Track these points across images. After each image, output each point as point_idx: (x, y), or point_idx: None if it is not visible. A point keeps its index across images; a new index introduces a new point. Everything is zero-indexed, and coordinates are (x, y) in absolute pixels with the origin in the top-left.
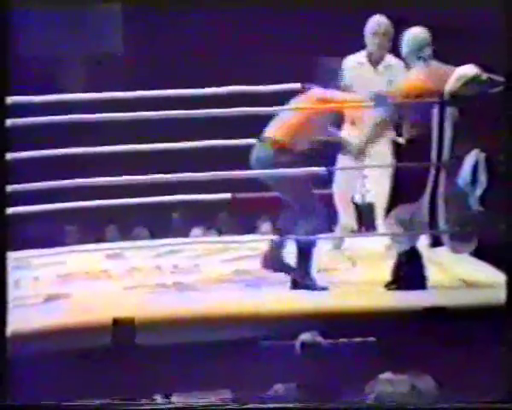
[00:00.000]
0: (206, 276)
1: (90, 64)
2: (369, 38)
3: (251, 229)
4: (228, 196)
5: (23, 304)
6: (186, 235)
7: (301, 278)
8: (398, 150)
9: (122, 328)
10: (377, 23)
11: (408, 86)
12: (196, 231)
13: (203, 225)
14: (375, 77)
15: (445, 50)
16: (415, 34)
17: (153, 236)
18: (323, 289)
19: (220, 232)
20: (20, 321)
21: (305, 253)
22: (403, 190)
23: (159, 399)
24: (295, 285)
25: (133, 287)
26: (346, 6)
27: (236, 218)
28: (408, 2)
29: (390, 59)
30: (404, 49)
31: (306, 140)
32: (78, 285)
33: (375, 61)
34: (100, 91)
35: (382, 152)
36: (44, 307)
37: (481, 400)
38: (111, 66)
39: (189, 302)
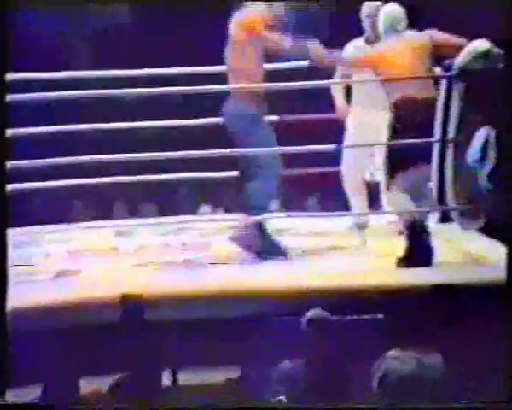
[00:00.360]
0: (215, 253)
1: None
2: (364, 21)
3: None
4: (235, 173)
5: (34, 279)
6: (194, 213)
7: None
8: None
9: (131, 304)
10: (369, 5)
11: (369, 56)
12: (204, 208)
13: (211, 202)
14: None
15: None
16: (389, 11)
17: (161, 213)
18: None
19: (228, 210)
20: (30, 296)
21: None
22: (401, 159)
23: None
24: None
25: (142, 264)
26: None
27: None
28: None
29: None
30: (380, 26)
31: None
32: (88, 262)
33: (370, 43)
34: (107, 67)
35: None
36: (54, 283)
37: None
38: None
39: (198, 279)
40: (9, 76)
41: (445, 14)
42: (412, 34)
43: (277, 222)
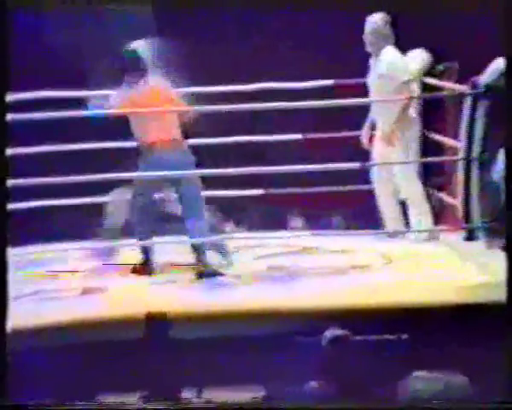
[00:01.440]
0: (239, 272)
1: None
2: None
3: (282, 225)
4: (259, 191)
5: (60, 297)
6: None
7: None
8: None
9: (155, 322)
10: (366, 24)
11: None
12: (228, 226)
13: (234, 220)
14: (371, 72)
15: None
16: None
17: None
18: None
19: (251, 228)
20: (56, 313)
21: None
22: None
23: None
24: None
25: (166, 282)
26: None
27: (267, 213)
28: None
29: (384, 53)
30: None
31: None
32: (113, 279)
33: (373, 57)
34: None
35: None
36: (81, 300)
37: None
38: None
39: (221, 298)
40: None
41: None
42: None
43: (304, 240)
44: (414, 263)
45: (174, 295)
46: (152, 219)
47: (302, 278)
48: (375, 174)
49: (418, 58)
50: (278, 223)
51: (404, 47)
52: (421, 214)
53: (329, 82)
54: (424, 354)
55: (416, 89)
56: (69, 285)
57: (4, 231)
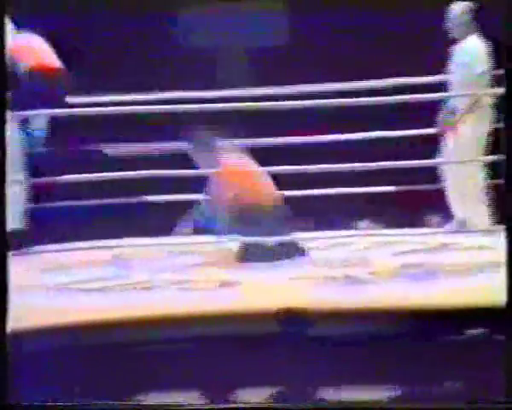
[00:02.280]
0: (375, 269)
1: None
2: None
3: (418, 222)
4: (395, 188)
5: (196, 288)
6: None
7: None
8: None
9: (291, 318)
10: (449, 11)
11: None
12: (363, 223)
13: (370, 217)
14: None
15: None
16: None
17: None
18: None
19: (387, 225)
20: (190, 304)
21: None
22: None
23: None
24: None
25: (302, 278)
26: None
27: (404, 210)
28: None
29: (466, 41)
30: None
31: None
32: (249, 273)
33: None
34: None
35: None
36: (217, 292)
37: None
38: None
39: (358, 295)
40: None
41: None
42: None
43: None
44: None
45: (310, 290)
46: None
47: (439, 275)
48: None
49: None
50: (415, 220)
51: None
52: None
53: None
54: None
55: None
56: (207, 277)
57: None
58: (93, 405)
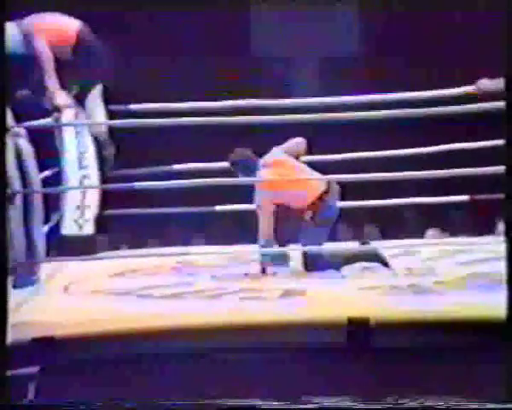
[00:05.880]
0: (442, 278)
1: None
2: None
3: (487, 231)
4: (465, 197)
5: (261, 297)
6: (421, 236)
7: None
8: None
9: (357, 328)
10: None
11: None
12: (431, 232)
13: (437, 226)
14: None
15: None
16: None
17: (385, 236)
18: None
19: (455, 234)
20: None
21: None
22: None
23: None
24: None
25: (368, 288)
26: None
27: (472, 219)
28: None
29: None
30: None
31: None
32: (314, 283)
33: None
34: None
35: None
36: (280, 302)
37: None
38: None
39: (425, 305)
40: None
41: None
42: None
43: None
44: None
45: (375, 300)
46: None
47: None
48: None
49: None
50: (484, 228)
51: None
52: None
53: None
54: None
55: None
56: (270, 286)
57: (4, 232)
58: (93, 405)
